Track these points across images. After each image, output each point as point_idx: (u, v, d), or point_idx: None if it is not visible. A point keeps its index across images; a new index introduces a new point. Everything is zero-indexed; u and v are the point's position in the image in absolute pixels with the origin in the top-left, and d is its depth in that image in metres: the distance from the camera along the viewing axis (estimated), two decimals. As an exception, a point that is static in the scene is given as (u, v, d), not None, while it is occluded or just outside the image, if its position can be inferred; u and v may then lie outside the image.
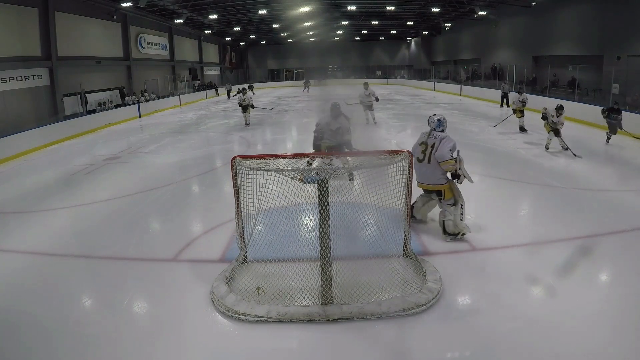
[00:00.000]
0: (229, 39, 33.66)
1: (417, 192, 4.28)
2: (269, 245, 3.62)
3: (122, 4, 17.51)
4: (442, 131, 4.27)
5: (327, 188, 3.10)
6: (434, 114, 4.40)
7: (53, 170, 8.28)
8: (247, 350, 2.79)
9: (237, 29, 28.80)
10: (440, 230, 4.28)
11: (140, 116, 16.99)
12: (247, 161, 3.40)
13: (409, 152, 3.53)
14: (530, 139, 9.64)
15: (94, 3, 16.72)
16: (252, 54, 40.24)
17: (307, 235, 3.94)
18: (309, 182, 3.25)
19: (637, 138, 9.07)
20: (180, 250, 4.23)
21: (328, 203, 3.08)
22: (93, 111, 15.78)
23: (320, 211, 3.07)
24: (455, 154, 4.16)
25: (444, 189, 4.20)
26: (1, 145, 9.37)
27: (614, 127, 8.65)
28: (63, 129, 12.23)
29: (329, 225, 3.07)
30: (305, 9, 20.91)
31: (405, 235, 3.66)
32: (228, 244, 4.27)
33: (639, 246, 4.14)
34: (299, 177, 3.25)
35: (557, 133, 7.89)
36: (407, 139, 9.29)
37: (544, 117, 8.06)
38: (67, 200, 6.10)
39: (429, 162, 4.20)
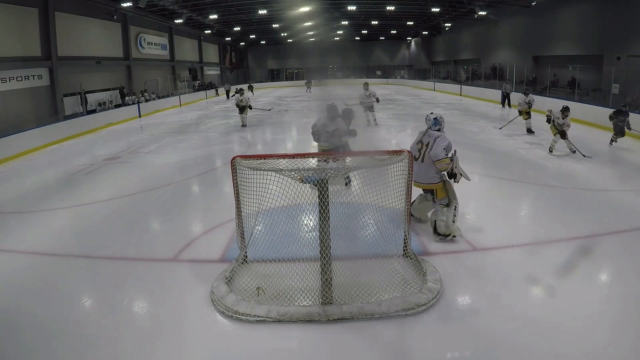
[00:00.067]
0: (229, 39, 33.66)
1: (417, 191, 4.28)
2: (269, 245, 3.62)
3: (122, 4, 17.51)
4: (439, 130, 4.26)
5: (327, 188, 3.10)
6: (431, 113, 4.41)
7: (53, 170, 8.28)
8: (247, 350, 2.79)
9: (237, 29, 28.81)
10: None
11: (140, 116, 16.99)
12: (247, 161, 3.40)
13: (409, 152, 3.53)
14: (531, 139, 9.65)
15: (94, 3, 16.72)
16: (252, 54, 40.25)
17: (307, 235, 3.94)
18: (309, 182, 3.25)
19: None
20: (180, 250, 4.23)
21: (328, 203, 3.08)
22: (93, 111, 15.78)
23: (320, 211, 3.07)
24: (450, 153, 4.15)
25: (435, 188, 4.19)
26: (1, 145, 9.37)
27: (619, 128, 8.47)
28: (63, 129, 12.22)
29: (329, 225, 3.07)
30: (305, 9, 20.91)
31: (405, 235, 3.66)
32: (228, 244, 4.27)
33: (639, 246, 4.14)
34: (299, 177, 3.24)
35: (563, 135, 7.73)
36: (407, 139, 9.29)
37: (549, 120, 7.91)
38: (67, 200, 6.10)
39: (422, 160, 4.20)
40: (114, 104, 17.70)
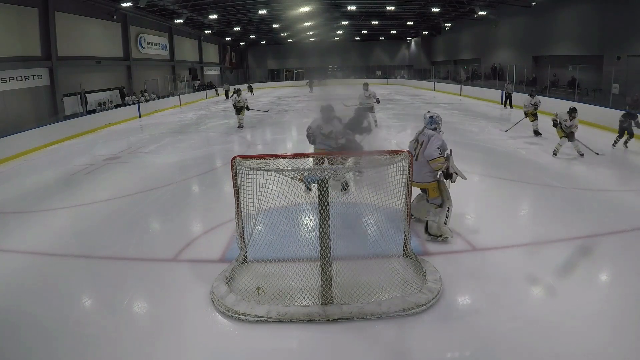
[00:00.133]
0: (229, 39, 33.66)
1: (416, 190, 4.28)
2: (269, 245, 3.62)
3: (122, 4, 17.51)
4: (435, 129, 4.25)
5: (327, 188, 3.10)
6: (428, 111, 4.41)
7: (53, 170, 8.28)
8: (247, 350, 2.79)
9: (237, 29, 28.81)
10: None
11: (140, 116, 16.99)
12: (247, 161, 3.40)
13: (409, 152, 3.54)
14: (530, 138, 9.64)
15: (94, 3, 16.72)
16: (252, 54, 40.25)
17: (307, 235, 3.94)
18: (309, 182, 3.25)
19: None
20: (180, 250, 4.23)
21: (328, 203, 3.08)
22: (93, 111, 15.78)
23: (320, 211, 3.07)
24: (445, 153, 4.13)
25: (428, 187, 4.19)
26: (1, 145, 9.37)
27: (623, 130, 8.30)
28: (63, 129, 12.22)
29: (329, 225, 3.07)
30: (305, 9, 20.91)
31: (405, 235, 3.66)
32: (228, 244, 4.27)
33: (639, 246, 4.14)
34: (299, 177, 3.24)
35: (571, 137, 7.53)
36: (407, 139, 9.19)
37: (556, 124, 7.69)
38: (67, 200, 6.10)
39: (416, 159, 4.20)
40: (114, 104, 17.70)
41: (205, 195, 6.56)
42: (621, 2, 14.47)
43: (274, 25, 27.85)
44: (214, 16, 23.79)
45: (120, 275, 3.82)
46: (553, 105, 10.92)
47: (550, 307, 3.11)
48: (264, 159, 3.41)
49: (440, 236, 4.17)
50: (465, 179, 4.22)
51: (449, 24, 28.73)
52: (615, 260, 3.87)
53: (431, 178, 4.17)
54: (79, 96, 15.72)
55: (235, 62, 37.92)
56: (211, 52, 32.36)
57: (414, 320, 2.98)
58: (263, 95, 26.48)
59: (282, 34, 32.00)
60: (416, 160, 4.19)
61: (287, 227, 3.57)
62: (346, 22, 28.64)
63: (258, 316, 3.01)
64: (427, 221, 4.22)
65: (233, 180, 3.44)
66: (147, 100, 18.90)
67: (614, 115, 10.32)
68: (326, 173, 3.17)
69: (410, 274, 3.47)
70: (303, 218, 4.13)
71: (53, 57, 14.39)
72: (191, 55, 28.35)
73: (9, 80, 12.78)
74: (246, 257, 3.74)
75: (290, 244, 3.61)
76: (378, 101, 11.62)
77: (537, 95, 10.20)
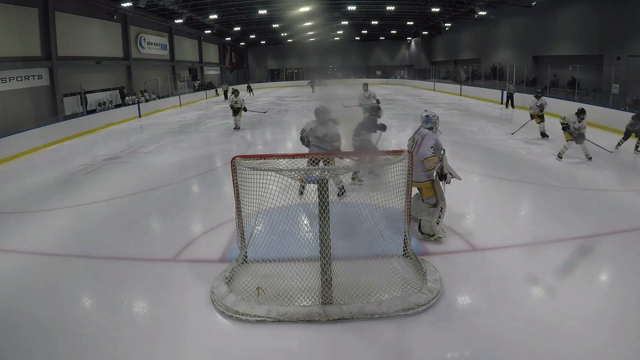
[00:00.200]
0: (229, 39, 33.67)
1: (414, 190, 4.28)
2: (269, 245, 3.62)
3: (122, 4, 17.51)
4: (431, 128, 4.23)
5: (327, 188, 3.10)
6: (425, 110, 4.41)
7: (53, 170, 8.28)
8: (247, 350, 2.79)
9: (237, 29, 28.81)
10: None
11: (140, 116, 16.99)
12: (247, 161, 3.40)
13: (409, 152, 3.54)
14: (531, 139, 9.62)
15: (94, 3, 16.72)
16: (252, 54, 40.25)
17: (307, 235, 3.94)
18: (309, 182, 3.25)
19: None
20: (180, 250, 4.23)
21: (328, 203, 3.09)
22: (93, 111, 15.78)
23: (320, 211, 3.07)
24: (438, 152, 4.12)
25: (422, 187, 4.18)
26: (1, 145, 9.37)
27: (629, 133, 8.11)
28: (63, 129, 12.22)
29: (329, 225, 3.07)
30: (305, 9, 20.91)
31: (405, 235, 3.66)
32: (228, 244, 4.27)
33: (639, 246, 4.14)
34: (299, 177, 3.25)
35: (579, 139, 7.29)
36: (407, 139, 9.27)
37: (565, 128, 7.42)
38: (67, 200, 6.10)
39: None
40: (114, 104, 17.70)
41: (205, 195, 6.56)
42: (621, 2, 14.47)
43: (274, 25, 27.85)
44: (214, 16, 23.79)
45: (120, 275, 3.82)
46: (553, 106, 10.92)
47: (550, 307, 3.11)
48: (264, 159, 3.41)
49: (433, 235, 4.17)
50: (460, 179, 4.20)
51: (449, 24, 28.74)
52: (615, 260, 3.87)
53: (425, 178, 4.15)
54: (79, 96, 15.72)
55: (235, 62, 37.93)
56: (211, 52, 32.36)
57: (414, 320, 2.98)
58: (263, 95, 26.48)
59: (282, 34, 32.01)
60: None
61: (287, 227, 3.57)
62: (346, 22, 28.64)
63: (258, 316, 3.01)
64: (420, 220, 4.22)
65: (233, 180, 3.44)
66: (147, 100, 18.90)
67: (614, 115, 10.36)
68: (326, 173, 3.17)
69: (410, 274, 3.47)
70: (303, 218, 4.13)
71: (53, 57, 14.39)
72: (191, 55, 28.36)
73: (9, 80, 12.78)
74: (246, 257, 3.74)
75: (290, 244, 3.61)
76: (378, 102, 11.03)
77: (543, 97, 9.90)
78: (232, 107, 12.03)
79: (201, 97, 25.17)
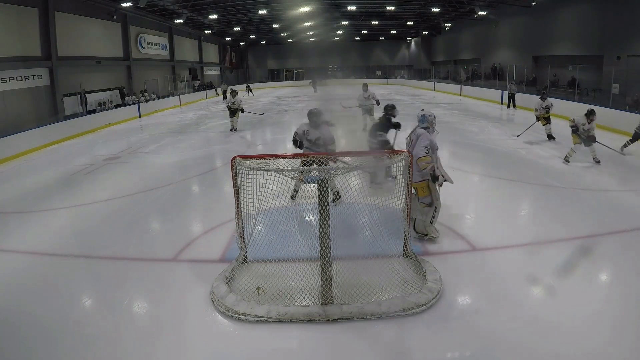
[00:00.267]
0: (229, 39, 33.66)
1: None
2: (269, 245, 3.62)
3: (122, 4, 17.51)
4: (427, 128, 4.22)
5: (327, 188, 3.10)
6: (422, 110, 4.41)
7: (53, 170, 8.28)
8: (247, 350, 2.79)
9: (237, 29, 28.80)
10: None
11: (140, 116, 16.99)
12: (247, 161, 3.40)
13: (409, 152, 3.54)
14: (530, 139, 9.61)
15: (94, 3, 16.72)
16: (252, 54, 40.25)
17: (307, 235, 3.94)
18: (309, 182, 3.25)
19: None
20: (180, 250, 4.23)
21: (328, 203, 3.09)
22: (93, 111, 15.78)
23: (320, 211, 3.07)
24: (434, 152, 4.10)
25: (417, 186, 4.16)
26: (1, 145, 9.37)
27: (638, 136, 7.87)
28: (63, 129, 12.22)
29: (329, 225, 3.07)
30: (305, 9, 20.91)
31: (405, 235, 3.66)
32: (228, 244, 4.27)
33: (639, 246, 4.14)
34: (299, 177, 3.24)
35: (588, 142, 7.04)
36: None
37: (575, 130, 7.17)
38: (67, 200, 6.10)
39: None
40: (114, 104, 17.69)
41: (205, 195, 6.56)
42: (621, 2, 14.47)
43: (274, 25, 27.85)
44: (214, 16, 23.79)
45: (120, 275, 3.82)
46: (554, 106, 10.88)
47: (550, 307, 3.11)
48: (264, 159, 3.41)
49: (427, 235, 4.17)
50: (452, 182, 4.17)
51: (449, 24, 28.74)
52: (615, 260, 3.87)
53: (420, 177, 4.13)
54: (79, 96, 15.72)
55: (235, 62, 37.93)
56: (211, 52, 32.36)
57: (414, 320, 2.98)
58: (263, 95, 26.47)
59: (282, 34, 32.01)
60: None
61: (287, 227, 3.57)
62: (346, 22, 28.63)
63: (258, 316, 3.01)
64: (414, 219, 4.22)
65: (233, 180, 3.44)
66: (147, 100, 18.90)
67: (614, 116, 10.36)
68: (326, 173, 3.17)
69: (410, 274, 3.47)
70: (303, 218, 4.13)
71: (53, 57, 14.39)
72: (191, 55, 28.35)
73: (9, 80, 12.78)
74: (246, 257, 3.74)
75: (290, 244, 3.61)
76: (378, 102, 10.76)
77: (548, 98, 9.54)
78: (229, 108, 11.81)
79: (201, 97, 25.17)
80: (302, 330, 2.93)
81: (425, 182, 4.15)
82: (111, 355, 2.76)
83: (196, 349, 2.78)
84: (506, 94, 16.61)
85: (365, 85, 10.91)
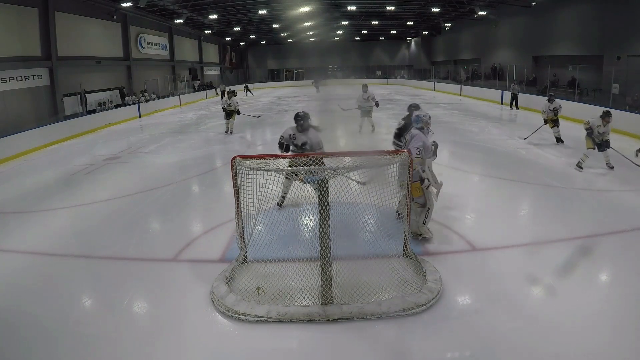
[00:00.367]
0: (229, 39, 33.65)
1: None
2: (269, 245, 3.62)
3: (122, 4, 17.50)
4: (422, 129, 4.21)
5: (327, 188, 3.10)
6: (419, 110, 4.40)
7: (53, 170, 8.28)
8: (247, 350, 2.79)
9: (237, 29, 28.79)
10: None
11: (140, 116, 16.99)
12: (247, 161, 3.41)
13: (409, 152, 3.54)
14: (530, 139, 9.60)
15: (94, 3, 16.71)
16: (252, 54, 40.24)
17: (307, 235, 3.94)
18: (309, 182, 3.25)
19: None
20: (180, 250, 4.23)
21: (328, 203, 3.09)
22: (93, 111, 15.78)
23: (320, 211, 3.07)
24: (427, 153, 4.09)
25: (411, 186, 4.16)
26: (1, 145, 9.37)
27: None
28: (63, 129, 12.22)
29: (329, 225, 3.07)
30: (305, 9, 20.90)
31: (405, 235, 3.66)
32: (228, 244, 4.27)
33: (639, 246, 4.14)
34: (299, 178, 3.25)
35: (602, 147, 6.69)
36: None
37: (590, 133, 6.77)
38: (67, 200, 6.10)
39: None
40: (114, 104, 17.69)
41: (205, 195, 6.56)
42: (621, 2, 14.46)
43: (274, 25, 27.84)
44: (214, 16, 23.77)
45: (120, 275, 3.82)
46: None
47: (550, 307, 3.12)
48: (264, 159, 3.41)
49: (420, 235, 4.17)
50: (438, 190, 4.14)
51: (449, 24, 28.73)
52: (615, 260, 3.87)
53: (414, 178, 4.14)
54: (79, 96, 15.71)
55: (235, 62, 37.92)
56: (211, 52, 32.35)
57: (414, 320, 2.98)
58: (263, 95, 26.47)
59: (282, 34, 31.99)
60: None
61: (287, 227, 3.57)
62: (346, 22, 28.62)
63: (258, 316, 3.01)
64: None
65: (233, 180, 3.44)
66: (147, 100, 18.89)
67: (614, 116, 10.21)
68: (326, 173, 3.17)
69: (410, 274, 3.47)
70: (303, 218, 4.13)
71: (53, 57, 14.38)
72: (191, 55, 28.35)
73: (9, 80, 12.77)
74: (246, 257, 3.74)
75: (290, 244, 3.61)
76: (377, 104, 10.35)
77: (556, 100, 9.10)
78: (224, 109, 11.37)
79: (201, 97, 25.17)
80: (302, 330, 2.93)
81: (419, 183, 4.16)
82: (111, 355, 2.76)
83: (196, 349, 2.78)
84: (506, 94, 16.60)
85: (365, 86, 10.58)
